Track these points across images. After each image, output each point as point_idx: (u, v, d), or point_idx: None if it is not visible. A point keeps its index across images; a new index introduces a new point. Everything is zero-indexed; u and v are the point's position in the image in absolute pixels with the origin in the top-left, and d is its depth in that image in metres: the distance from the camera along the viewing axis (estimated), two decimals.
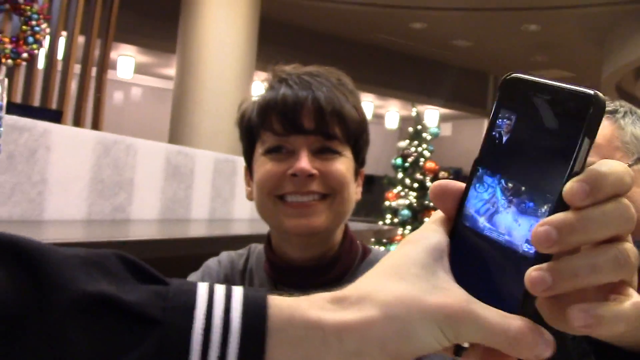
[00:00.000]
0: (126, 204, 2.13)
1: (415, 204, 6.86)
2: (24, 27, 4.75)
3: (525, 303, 0.35)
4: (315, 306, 0.37)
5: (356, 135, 0.97)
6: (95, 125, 5.31)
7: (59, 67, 5.18)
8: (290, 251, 0.97)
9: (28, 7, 4.72)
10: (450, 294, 0.36)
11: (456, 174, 10.28)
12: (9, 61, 4.64)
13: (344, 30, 8.32)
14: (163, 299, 0.36)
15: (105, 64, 5.37)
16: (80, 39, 5.26)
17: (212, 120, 5.19)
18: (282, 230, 0.96)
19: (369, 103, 11.03)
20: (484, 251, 0.38)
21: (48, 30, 4.90)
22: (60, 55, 5.16)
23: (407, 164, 6.99)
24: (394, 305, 0.36)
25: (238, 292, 0.37)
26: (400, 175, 7.01)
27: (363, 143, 1.00)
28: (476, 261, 0.38)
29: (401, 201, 6.88)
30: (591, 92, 0.34)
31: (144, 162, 2.18)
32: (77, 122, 5.20)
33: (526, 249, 0.35)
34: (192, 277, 1.07)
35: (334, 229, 0.97)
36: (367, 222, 5.46)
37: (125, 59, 7.57)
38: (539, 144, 0.36)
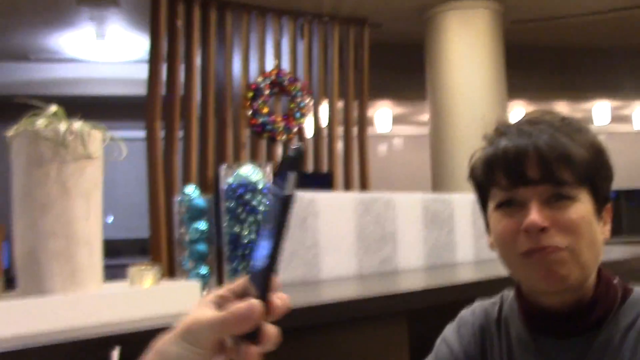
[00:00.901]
0: (392, 256, 2.24)
1: None
2: (292, 105, 5.33)
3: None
4: None
5: (591, 175, 0.91)
6: (363, 180, 5.65)
7: (324, 132, 5.64)
8: (543, 299, 0.95)
9: (292, 87, 5.30)
10: (189, 317, 0.56)
11: None
12: (283, 137, 5.22)
13: (593, 41, 7.71)
14: None
15: (363, 122, 5.74)
16: (339, 104, 5.69)
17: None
18: (530, 286, 0.94)
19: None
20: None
21: (311, 103, 5.42)
22: (324, 121, 5.64)
23: None
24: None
25: None
26: None
27: (602, 180, 0.93)
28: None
29: None
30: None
31: (403, 214, 2.28)
32: (347, 179, 5.60)
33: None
34: (448, 329, 1.10)
35: (586, 278, 0.92)
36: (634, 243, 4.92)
37: (383, 113, 7.96)
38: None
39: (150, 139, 4.74)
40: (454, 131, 5.40)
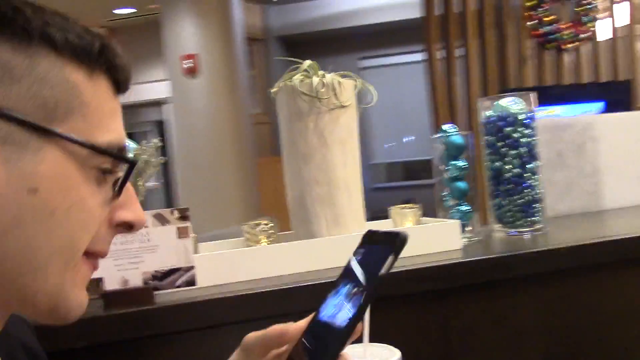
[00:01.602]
0: None
1: None
2: (578, 8, 4.80)
3: None
4: None
5: None
6: None
7: (621, 33, 5.00)
8: None
9: None
10: None
11: None
12: (571, 45, 4.76)
13: None
14: None
15: None
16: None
17: None
18: None
19: None
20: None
21: (603, 2, 4.82)
22: (620, 21, 4.99)
23: None
24: None
25: None
26: None
27: None
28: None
29: None
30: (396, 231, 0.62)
31: None
32: None
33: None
34: None
35: None
36: None
37: None
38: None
39: (429, 61, 4.75)
40: None
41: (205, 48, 5.60)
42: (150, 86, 7.06)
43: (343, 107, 1.32)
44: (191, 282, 1.15)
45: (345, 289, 0.63)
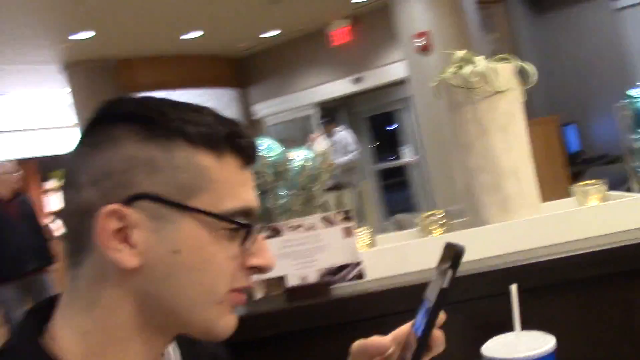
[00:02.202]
0: None
1: None
2: None
3: None
4: None
5: None
6: None
7: None
8: None
9: None
10: None
11: None
12: None
13: None
14: None
15: None
16: None
17: None
18: None
19: None
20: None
21: None
22: None
23: None
24: None
25: None
26: None
27: None
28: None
29: None
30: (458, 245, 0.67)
31: None
32: None
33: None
34: None
35: None
36: None
37: None
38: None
39: None
40: None
41: (436, 24, 5.62)
42: (392, 67, 7.29)
43: (500, 92, 1.31)
44: (360, 276, 1.27)
45: (426, 302, 0.69)
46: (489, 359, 0.87)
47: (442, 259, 0.69)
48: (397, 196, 8.40)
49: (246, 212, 0.65)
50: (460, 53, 1.36)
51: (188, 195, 0.62)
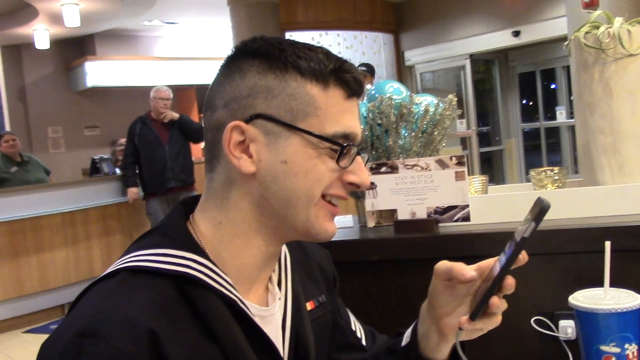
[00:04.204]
0: None
1: None
2: None
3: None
4: None
5: None
6: None
7: None
8: None
9: None
10: None
11: None
12: None
13: None
14: None
15: None
16: None
17: None
18: None
19: None
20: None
21: None
22: None
23: None
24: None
25: None
26: None
27: None
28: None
29: None
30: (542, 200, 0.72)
31: None
32: None
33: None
34: None
35: None
36: None
37: None
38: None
39: None
40: None
41: None
42: (554, 22, 6.92)
43: (632, 55, 1.31)
44: (466, 218, 1.36)
45: (512, 244, 0.76)
46: (575, 306, 0.94)
47: (532, 210, 0.74)
48: (545, 158, 8.10)
49: (347, 136, 0.77)
50: (596, 13, 1.36)
51: (297, 118, 0.75)
